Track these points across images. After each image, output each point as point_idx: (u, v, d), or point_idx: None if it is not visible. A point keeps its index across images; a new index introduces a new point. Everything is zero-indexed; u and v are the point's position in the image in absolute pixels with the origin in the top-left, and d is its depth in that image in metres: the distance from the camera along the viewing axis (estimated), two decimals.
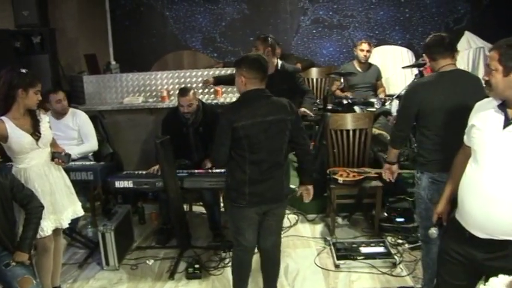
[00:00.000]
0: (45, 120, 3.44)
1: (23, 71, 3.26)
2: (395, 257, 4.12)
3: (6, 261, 3.05)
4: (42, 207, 3.22)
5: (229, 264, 4.12)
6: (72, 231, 4.53)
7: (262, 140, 3.04)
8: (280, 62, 4.79)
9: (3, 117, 3.24)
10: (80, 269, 4.26)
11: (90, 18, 7.17)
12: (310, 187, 3.44)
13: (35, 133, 3.30)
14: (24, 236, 3.14)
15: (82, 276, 4.15)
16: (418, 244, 4.12)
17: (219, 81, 5.36)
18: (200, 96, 5.38)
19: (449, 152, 2.79)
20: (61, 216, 3.47)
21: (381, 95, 5.91)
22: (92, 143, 4.81)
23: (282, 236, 4.51)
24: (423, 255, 3.44)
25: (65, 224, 3.52)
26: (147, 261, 4.33)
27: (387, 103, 5.27)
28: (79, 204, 3.69)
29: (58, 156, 3.45)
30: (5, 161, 3.46)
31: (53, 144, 3.54)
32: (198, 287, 3.93)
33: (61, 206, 3.47)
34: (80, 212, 3.70)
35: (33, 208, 3.17)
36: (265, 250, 3.41)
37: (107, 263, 4.19)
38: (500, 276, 1.25)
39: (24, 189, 3.19)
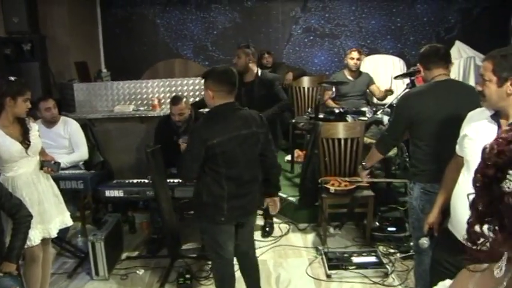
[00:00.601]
0: (35, 128, 3.40)
1: (12, 78, 3.22)
2: (387, 266, 4.10)
3: None
4: (30, 216, 3.16)
5: None
6: (62, 241, 4.47)
7: (238, 154, 3.01)
8: (260, 70, 4.87)
9: None
10: (69, 279, 4.20)
11: (81, 26, 7.14)
12: (277, 199, 3.43)
13: (25, 141, 3.25)
14: (12, 246, 3.08)
15: (71, 287, 4.10)
16: (410, 254, 4.11)
17: (197, 107, 5.26)
18: None
19: (441, 162, 2.78)
20: (49, 225, 3.42)
21: (382, 90, 5.92)
22: (82, 152, 4.78)
23: (273, 245, 4.55)
24: (415, 265, 3.42)
25: (53, 234, 3.48)
26: (138, 271, 4.29)
27: (379, 112, 5.27)
28: (67, 214, 3.64)
29: (47, 165, 3.41)
30: None
31: (42, 152, 3.50)
32: None
33: (49, 216, 3.42)
34: (69, 222, 3.64)
35: (21, 217, 3.11)
36: (242, 253, 3.38)
37: (97, 273, 4.14)
38: (440, 283, 1.26)
39: (13, 198, 3.12)
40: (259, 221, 4.93)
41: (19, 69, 5.77)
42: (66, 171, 4.38)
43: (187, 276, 4.00)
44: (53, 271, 4.17)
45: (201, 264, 4.35)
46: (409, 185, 3.31)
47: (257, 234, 4.88)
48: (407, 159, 4.34)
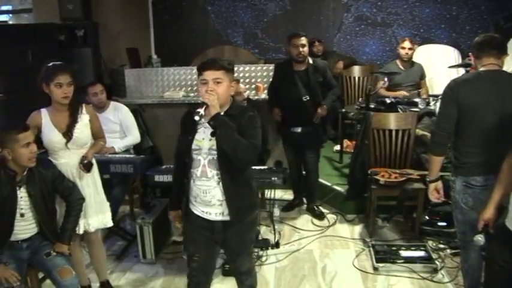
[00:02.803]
0: (84, 120, 3.31)
1: (50, 64, 3.19)
2: (437, 262, 3.99)
3: (47, 251, 3.10)
4: (82, 199, 3.23)
5: (266, 262, 4.12)
6: None
7: None
8: (311, 58, 4.86)
9: (43, 109, 3.24)
10: (117, 261, 4.31)
11: (132, 13, 7.23)
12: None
13: (67, 133, 3.21)
14: (64, 227, 3.17)
15: (119, 268, 4.19)
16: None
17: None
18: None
19: (483, 155, 2.71)
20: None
21: (424, 96, 5.74)
22: (134, 136, 4.80)
23: (320, 235, 4.52)
24: (461, 261, 3.30)
25: (79, 231, 3.38)
26: (184, 256, 4.31)
27: (431, 103, 5.12)
28: (109, 214, 3.56)
29: (81, 161, 3.27)
30: (46, 152, 3.43)
31: (95, 145, 3.42)
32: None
33: (85, 214, 3.36)
34: (108, 223, 3.55)
35: (74, 200, 3.19)
36: None
37: (144, 256, 4.22)
38: None
39: (65, 180, 3.20)
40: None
41: (72, 55, 5.90)
42: (117, 156, 4.44)
43: None
44: None
45: None
46: (451, 178, 3.18)
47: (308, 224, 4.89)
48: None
